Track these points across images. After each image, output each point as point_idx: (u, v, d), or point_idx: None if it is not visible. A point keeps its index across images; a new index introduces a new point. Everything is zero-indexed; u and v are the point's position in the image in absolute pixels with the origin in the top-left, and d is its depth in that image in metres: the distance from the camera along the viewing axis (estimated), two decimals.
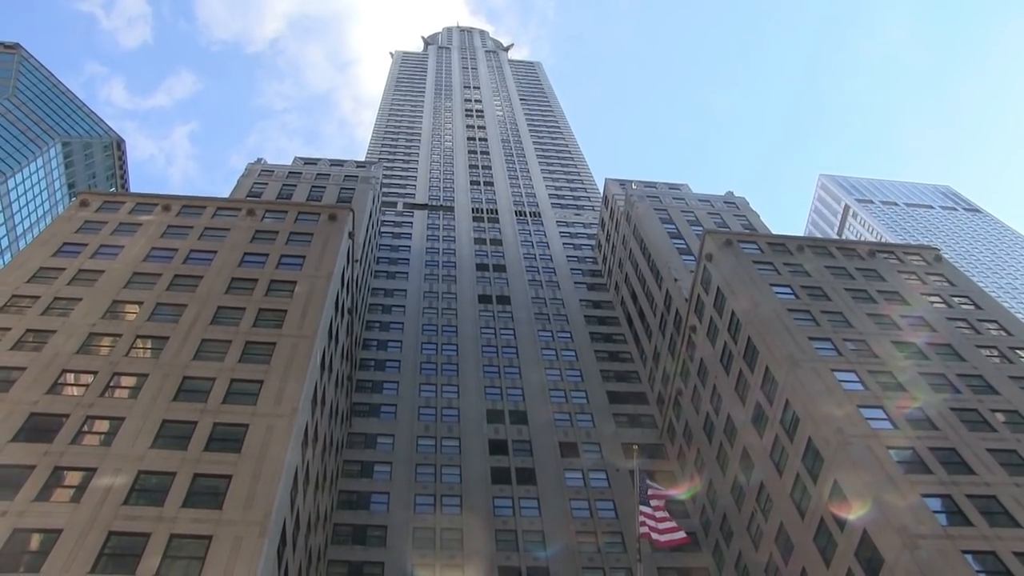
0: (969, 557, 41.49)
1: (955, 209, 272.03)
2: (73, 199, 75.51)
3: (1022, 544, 42.54)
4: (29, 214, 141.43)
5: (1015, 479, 46.97)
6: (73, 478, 41.28)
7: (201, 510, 40.13)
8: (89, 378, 48.70)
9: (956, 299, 69.17)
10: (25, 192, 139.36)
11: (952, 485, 46.02)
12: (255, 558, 38.02)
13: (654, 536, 39.73)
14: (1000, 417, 52.78)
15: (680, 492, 40.78)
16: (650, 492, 39.89)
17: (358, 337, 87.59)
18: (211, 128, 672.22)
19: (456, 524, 70.39)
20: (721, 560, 65.53)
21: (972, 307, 68.16)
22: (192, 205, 72.98)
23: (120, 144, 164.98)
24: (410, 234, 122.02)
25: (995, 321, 65.78)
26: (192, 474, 42.27)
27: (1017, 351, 61.48)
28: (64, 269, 60.67)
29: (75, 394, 47.43)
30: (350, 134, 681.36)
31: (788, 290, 66.90)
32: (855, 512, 46.33)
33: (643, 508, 42.56)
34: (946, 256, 79.59)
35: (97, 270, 61.01)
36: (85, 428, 44.70)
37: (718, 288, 70.22)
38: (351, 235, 74.46)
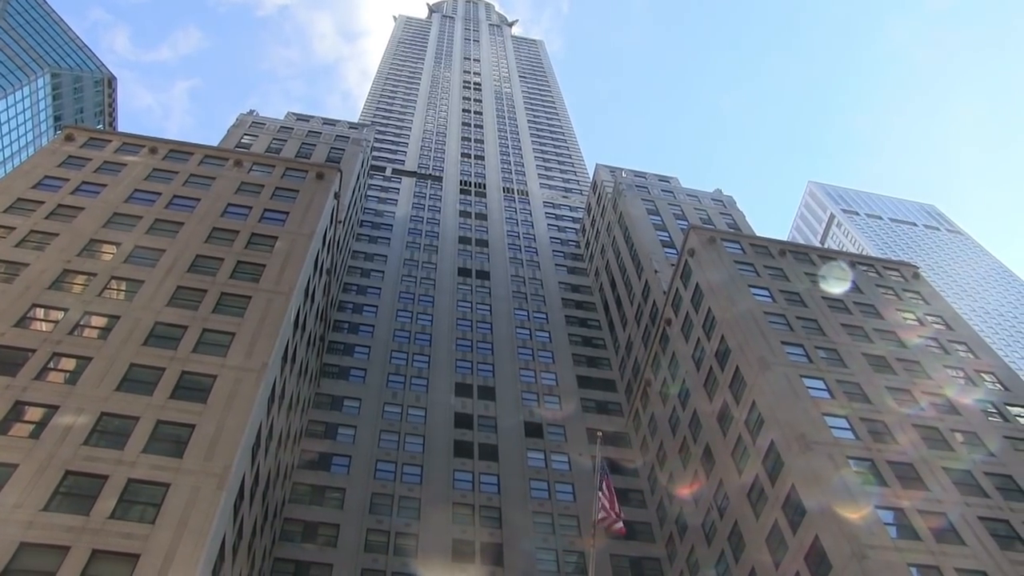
0: (914, 571, 42.25)
1: (938, 229, 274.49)
2: (59, 132, 74.43)
3: (965, 561, 43.40)
4: (11, 143, 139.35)
5: (966, 498, 47.79)
6: (34, 414, 40.94)
7: (161, 457, 39.97)
8: (59, 315, 48.18)
9: (929, 318, 69.87)
10: (9, 120, 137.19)
11: (905, 500, 46.73)
12: (212, 509, 37.98)
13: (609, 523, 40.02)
14: (959, 437, 53.53)
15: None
16: (605, 480, 40.11)
17: (334, 298, 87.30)
18: (212, 87, 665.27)
19: (415, 493, 70.67)
20: (673, 552, 66.27)
21: (944, 327, 68.89)
22: (179, 151, 72.16)
23: (111, 81, 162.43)
24: (396, 200, 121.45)
25: (964, 343, 66.58)
26: (155, 420, 42.05)
27: (982, 374, 62.30)
28: (43, 203, 59.86)
29: (43, 330, 46.90)
30: (354, 107, 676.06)
31: (766, 293, 67.28)
32: (809, 517, 46.93)
33: (601, 494, 42.88)
34: (924, 275, 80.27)
35: (77, 207, 60.26)
36: (51, 365, 44.26)
37: (697, 284, 70.50)
38: (337, 196, 74.01)
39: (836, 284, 70.96)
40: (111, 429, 41.13)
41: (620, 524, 42.39)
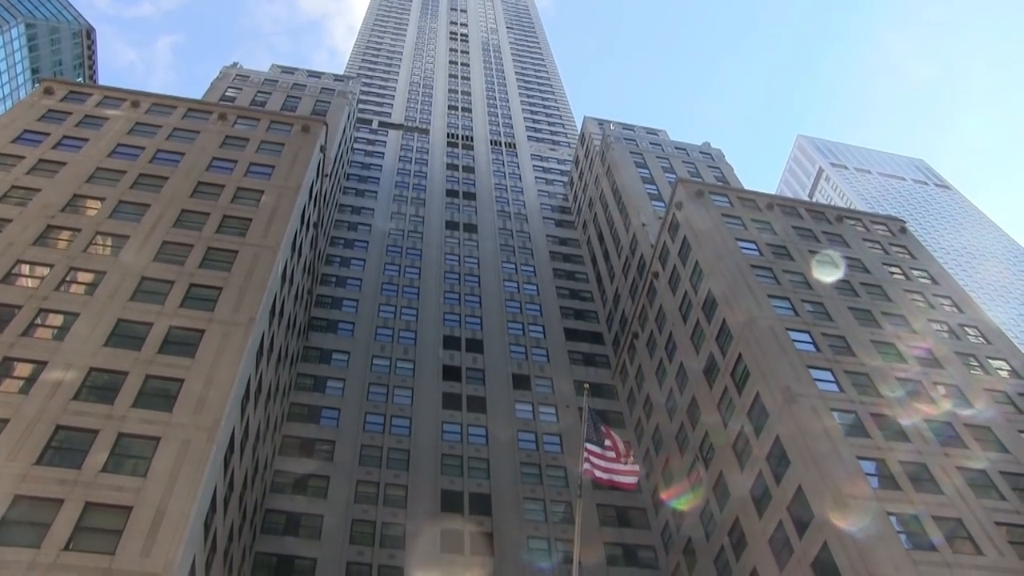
0: (894, 519, 43.10)
1: (926, 183, 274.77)
2: (36, 85, 73.20)
3: (942, 509, 44.27)
4: None
5: (945, 449, 48.64)
6: (23, 369, 40.99)
7: (151, 411, 40.21)
8: (45, 271, 47.95)
9: (915, 272, 70.31)
10: None
11: (887, 451, 47.50)
12: (202, 463, 38.33)
13: (597, 474, 40.14)
14: (941, 390, 54.25)
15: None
16: (604, 430, 40.22)
17: (321, 252, 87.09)
18: (196, 43, 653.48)
19: (404, 445, 71.32)
20: (659, 502, 67.28)
21: (929, 281, 69.37)
22: (162, 104, 71.26)
23: (90, 33, 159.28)
24: (383, 153, 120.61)
25: (949, 297, 67.13)
26: (144, 375, 42.18)
27: (966, 328, 62.94)
28: (24, 157, 59.17)
29: (29, 286, 46.73)
30: (340, 63, 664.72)
31: (753, 246, 67.48)
32: (792, 468, 47.70)
33: (588, 446, 43.03)
34: (911, 229, 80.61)
35: (59, 161, 59.59)
36: (38, 321, 44.21)
37: (684, 237, 70.64)
38: (323, 149, 73.45)
39: (823, 237, 71.23)
40: (100, 384, 41.24)
41: (629, 479, 41.18)
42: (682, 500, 62.42)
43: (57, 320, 44.61)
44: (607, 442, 39.47)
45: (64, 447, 37.71)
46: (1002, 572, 41.37)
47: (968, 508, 44.62)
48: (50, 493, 35.26)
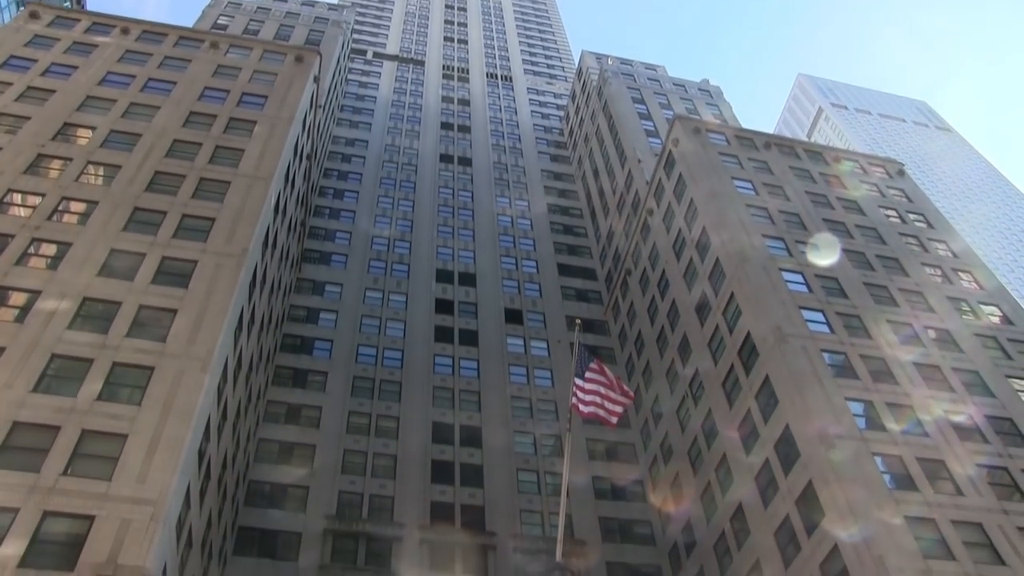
0: (878, 459, 43.87)
1: (927, 126, 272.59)
2: (21, 8, 71.65)
3: (926, 451, 45.07)
4: None
5: (931, 392, 49.27)
6: (17, 299, 41.01)
7: (145, 341, 40.44)
8: (36, 200, 47.55)
9: (911, 215, 70.17)
10: None
11: (875, 392, 48.09)
12: (196, 392, 38.74)
13: (582, 408, 40.21)
14: (932, 334, 54.70)
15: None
16: (594, 367, 40.29)
17: (315, 183, 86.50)
18: None
19: (395, 377, 71.95)
20: (648, 438, 68.30)
21: (925, 225, 69.29)
22: (153, 32, 69.74)
23: None
24: (377, 84, 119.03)
25: (943, 242, 67.17)
26: (137, 305, 42.27)
27: (959, 272, 63.14)
28: (11, 84, 58.10)
29: (21, 215, 46.42)
30: None
31: (749, 185, 67.23)
32: (780, 407, 48.33)
33: (577, 381, 43.18)
34: (909, 172, 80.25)
35: (48, 89, 58.58)
36: (31, 251, 44.03)
37: (680, 174, 70.31)
38: (316, 79, 72.44)
39: (820, 178, 70.95)
40: (94, 314, 41.36)
41: (618, 408, 41.21)
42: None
43: (50, 250, 44.44)
44: (599, 377, 39.42)
45: (60, 375, 38.03)
46: (981, 511, 42.29)
47: (952, 451, 45.41)
48: (47, 420, 35.73)
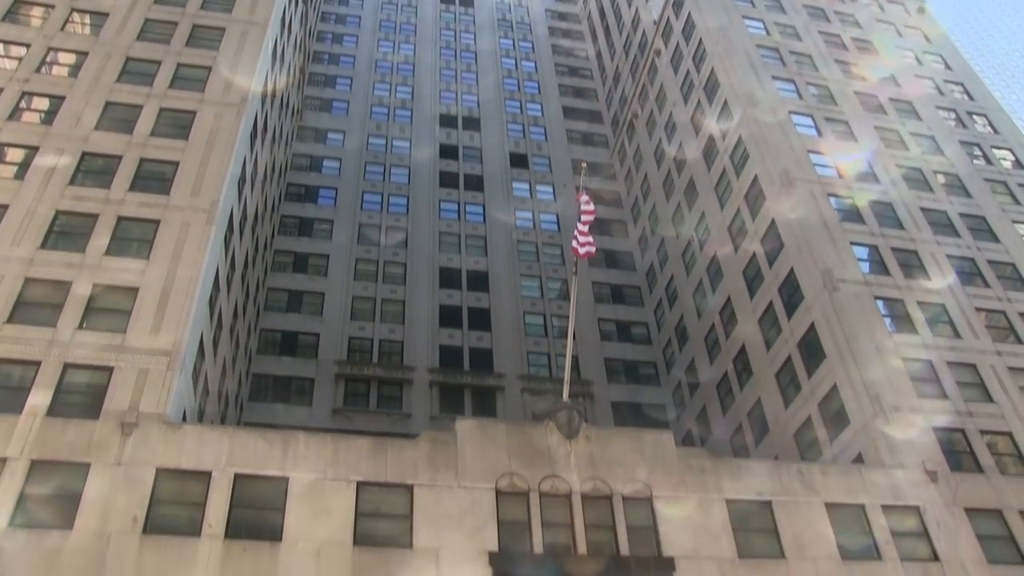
0: (880, 303, 44.43)
1: None
2: None
3: (926, 295, 45.59)
4: None
5: (938, 237, 49.28)
6: (15, 155, 40.45)
7: (148, 195, 40.29)
8: (21, 51, 45.78)
9: (928, 56, 67.68)
10: None
11: (880, 237, 48.11)
12: (203, 244, 38.94)
13: (580, 250, 39.94)
14: (940, 179, 54.11)
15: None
16: (584, 207, 39.86)
17: (312, 29, 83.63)
18: None
19: (401, 223, 72.02)
20: (653, 280, 68.99)
21: (942, 67, 66.81)
22: None
23: None
24: None
25: (960, 84, 65.14)
26: (139, 158, 41.83)
27: (973, 116, 61.72)
28: None
29: (6, 67, 44.92)
30: None
31: (760, 25, 64.72)
32: (785, 251, 48.50)
33: (580, 225, 42.85)
34: (928, 8, 76.81)
35: None
36: (23, 104, 42.91)
37: (689, 13, 67.68)
38: None
39: (835, 18, 68.18)
40: (95, 169, 40.99)
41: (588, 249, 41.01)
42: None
43: (43, 104, 43.36)
44: (584, 217, 39.03)
45: (66, 232, 38.08)
46: (975, 353, 43.24)
47: (952, 295, 45.90)
48: (59, 276, 36.09)
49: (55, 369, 32.99)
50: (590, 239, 38.30)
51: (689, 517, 33.52)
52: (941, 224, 50.34)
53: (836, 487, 35.92)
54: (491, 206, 75.49)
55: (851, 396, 41.04)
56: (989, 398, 41.44)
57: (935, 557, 34.57)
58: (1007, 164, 57.49)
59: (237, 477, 31.15)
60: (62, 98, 43.65)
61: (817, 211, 48.47)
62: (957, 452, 38.96)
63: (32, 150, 40.65)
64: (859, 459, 39.50)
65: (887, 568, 33.72)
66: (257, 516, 30.70)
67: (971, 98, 63.71)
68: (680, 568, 31.93)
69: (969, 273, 47.69)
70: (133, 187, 40.43)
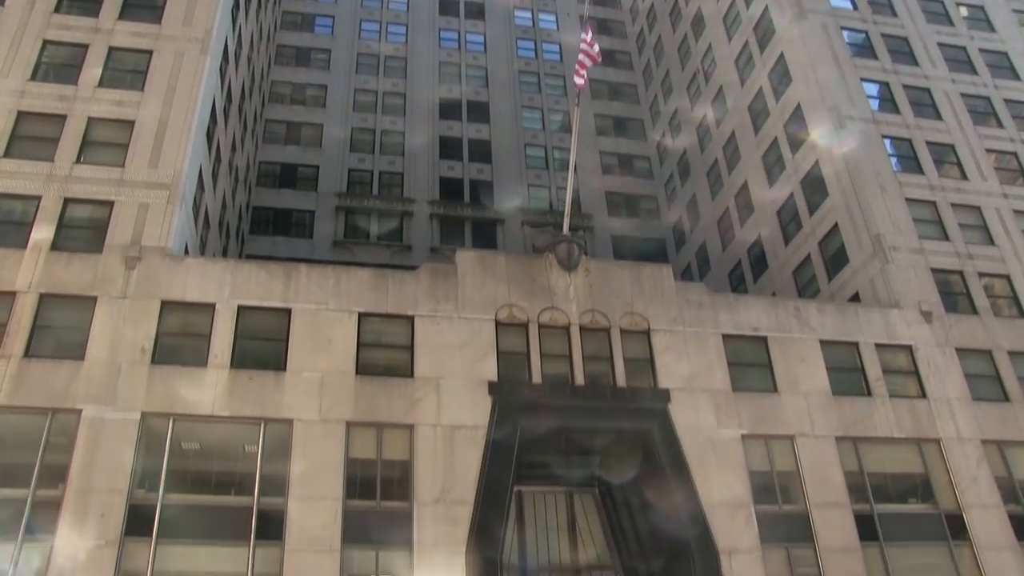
0: (887, 142, 43.78)
1: None
2: None
3: (936, 135, 44.79)
4: None
5: (953, 75, 47.90)
6: None
7: (139, 24, 38.79)
8: None
9: None
10: None
11: (893, 74, 46.79)
12: (198, 72, 38.01)
13: (578, 80, 38.77)
14: (963, 11, 51.96)
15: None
16: (587, 50, 38.34)
17: None
18: None
19: (400, 53, 69.96)
20: (657, 112, 67.73)
21: None
22: None
23: None
24: None
25: None
26: None
27: None
28: None
29: None
30: None
31: None
32: (793, 86, 47.32)
33: (580, 57, 41.41)
34: None
35: None
36: None
37: None
38: None
39: None
40: None
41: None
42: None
43: None
44: (583, 47, 37.67)
45: (56, 63, 36.96)
46: (980, 195, 43.00)
47: (963, 135, 45.13)
48: (52, 109, 35.31)
49: (55, 204, 32.85)
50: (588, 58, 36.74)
51: (685, 350, 34.35)
52: (958, 60, 48.79)
53: (831, 325, 36.60)
54: (492, 34, 73.10)
55: (852, 235, 41.17)
56: (991, 241, 41.49)
57: (923, 394, 35.68)
58: None
59: (241, 309, 31.69)
60: None
61: (828, 44, 46.92)
62: (953, 294, 39.44)
63: None
64: (856, 298, 40.12)
65: (875, 404, 34.88)
66: (261, 347, 31.45)
67: None
68: (675, 399, 32.99)
69: (983, 112, 46.66)
70: (123, 15, 38.87)
